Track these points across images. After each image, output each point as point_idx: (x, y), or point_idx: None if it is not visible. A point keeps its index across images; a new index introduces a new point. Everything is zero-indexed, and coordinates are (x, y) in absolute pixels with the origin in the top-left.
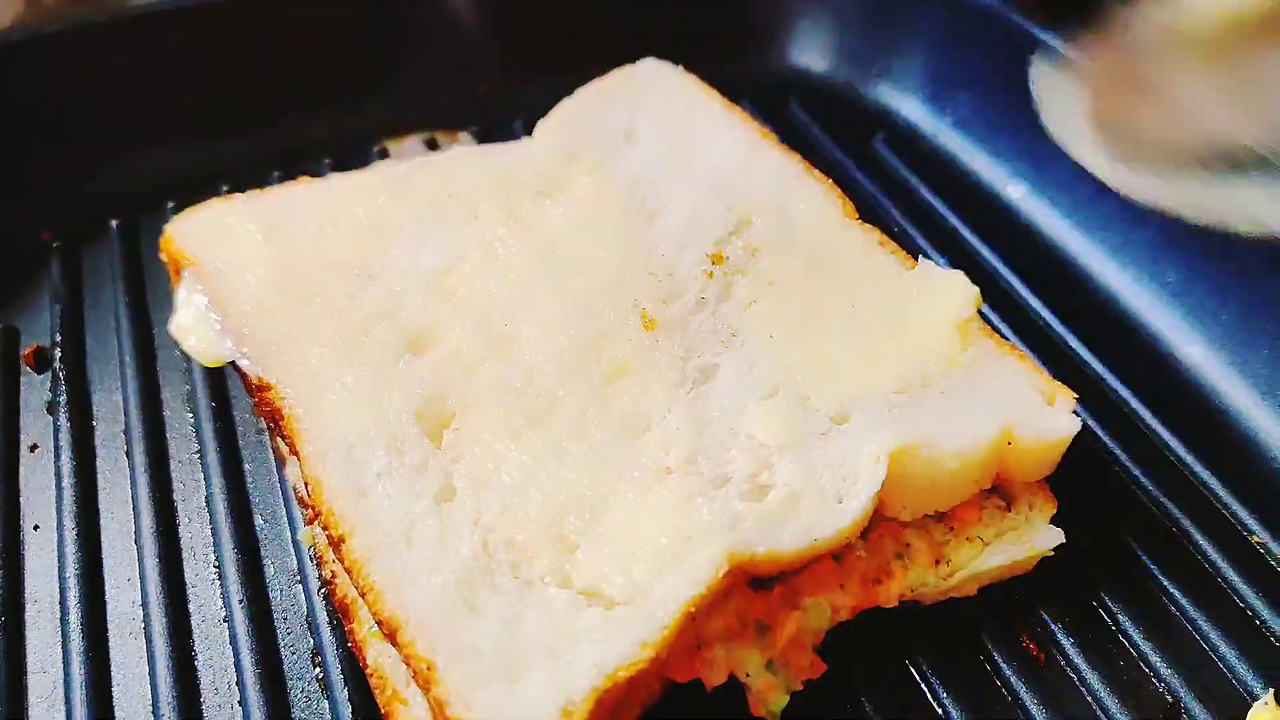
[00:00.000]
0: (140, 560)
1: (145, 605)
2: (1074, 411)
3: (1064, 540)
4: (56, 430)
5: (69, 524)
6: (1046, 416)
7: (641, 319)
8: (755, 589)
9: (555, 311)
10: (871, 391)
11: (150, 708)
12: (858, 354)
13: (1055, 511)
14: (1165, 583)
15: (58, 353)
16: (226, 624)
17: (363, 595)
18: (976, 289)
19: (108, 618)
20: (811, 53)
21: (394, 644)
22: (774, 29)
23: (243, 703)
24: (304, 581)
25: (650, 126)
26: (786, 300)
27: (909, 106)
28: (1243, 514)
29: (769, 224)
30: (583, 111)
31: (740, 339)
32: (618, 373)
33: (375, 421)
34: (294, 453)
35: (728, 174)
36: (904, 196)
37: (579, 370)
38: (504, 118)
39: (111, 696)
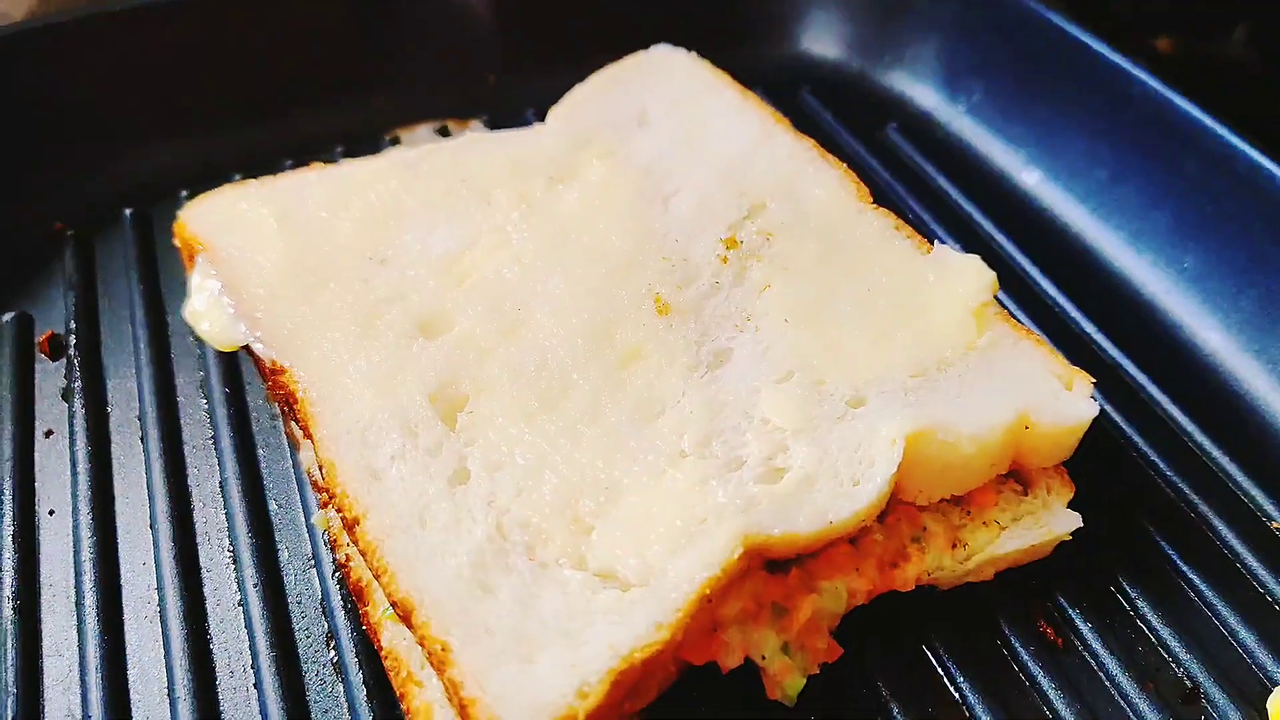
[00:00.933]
0: (155, 545)
1: (160, 589)
2: (1091, 396)
3: (1081, 525)
4: (71, 416)
5: (84, 509)
6: (1064, 401)
7: (655, 303)
8: (771, 572)
9: (568, 296)
10: (887, 375)
11: (165, 691)
12: (873, 338)
13: (1073, 496)
14: (1183, 568)
15: (72, 340)
16: (241, 608)
17: (377, 577)
18: (993, 273)
19: (123, 602)
20: (823, 40)
21: (408, 625)
22: (785, 17)
23: (258, 686)
24: (318, 565)
25: (663, 111)
26: (801, 284)
27: (922, 94)
28: (1261, 499)
29: (783, 208)
30: (595, 97)
31: (755, 323)
32: (632, 357)
33: (389, 405)
34: (308, 436)
35: (741, 158)
36: (918, 184)
37: (593, 354)
38: (516, 107)
39: (127, 680)
